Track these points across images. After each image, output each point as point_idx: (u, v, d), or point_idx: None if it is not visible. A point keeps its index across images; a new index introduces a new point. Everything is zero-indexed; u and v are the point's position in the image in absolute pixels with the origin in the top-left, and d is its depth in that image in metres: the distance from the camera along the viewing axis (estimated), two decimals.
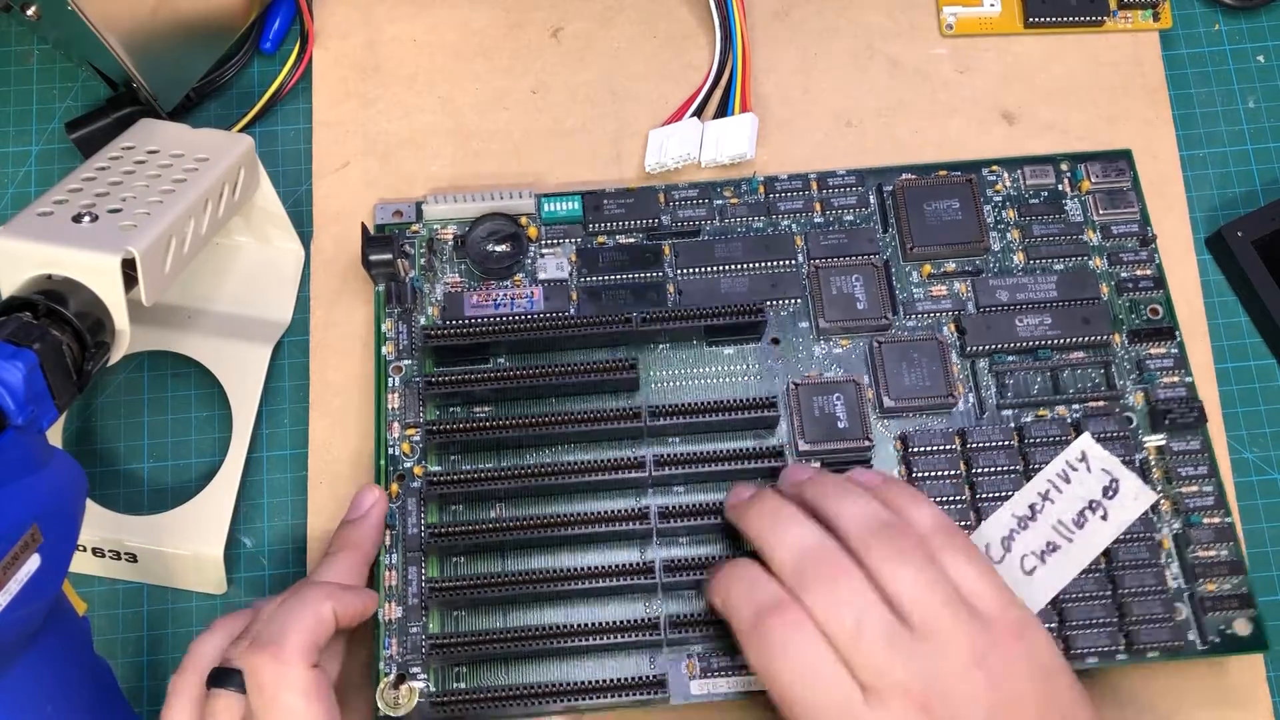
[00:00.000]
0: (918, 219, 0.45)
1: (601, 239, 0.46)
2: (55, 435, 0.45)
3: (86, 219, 0.38)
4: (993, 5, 0.50)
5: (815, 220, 0.46)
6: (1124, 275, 0.45)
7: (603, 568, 0.40)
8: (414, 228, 0.46)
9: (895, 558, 0.36)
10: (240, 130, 0.48)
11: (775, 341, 0.44)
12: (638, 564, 0.41)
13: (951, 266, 0.45)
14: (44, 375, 0.34)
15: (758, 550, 0.38)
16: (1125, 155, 0.47)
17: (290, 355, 0.47)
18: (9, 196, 0.49)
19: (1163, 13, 0.50)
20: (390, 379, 0.43)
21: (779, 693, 0.36)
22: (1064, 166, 0.47)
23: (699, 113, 0.48)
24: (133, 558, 0.44)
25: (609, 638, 0.40)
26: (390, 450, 0.43)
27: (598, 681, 0.39)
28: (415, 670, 0.40)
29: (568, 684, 0.39)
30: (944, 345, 0.44)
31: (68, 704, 0.37)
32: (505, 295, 0.45)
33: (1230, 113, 0.50)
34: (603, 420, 0.42)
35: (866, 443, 0.43)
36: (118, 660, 0.44)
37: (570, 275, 0.45)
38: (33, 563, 0.34)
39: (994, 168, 0.47)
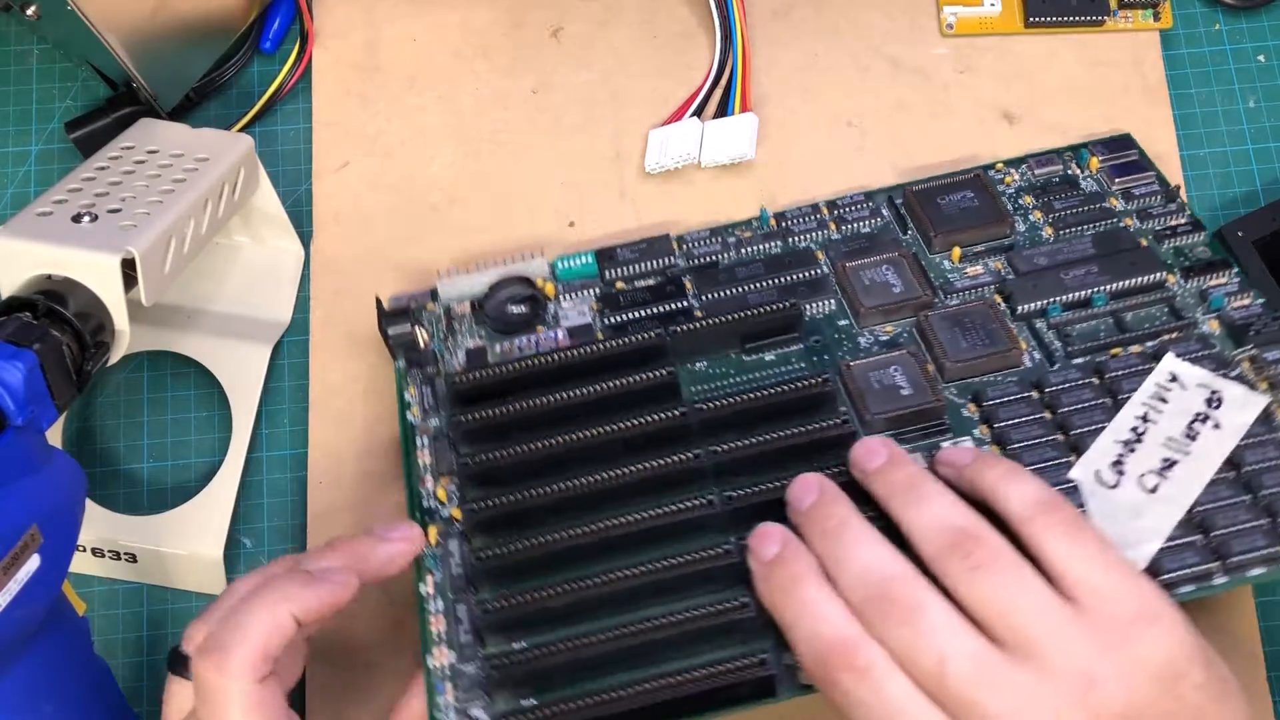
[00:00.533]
0: (935, 212, 0.45)
1: (620, 284, 0.44)
2: (55, 435, 0.45)
3: (86, 219, 0.38)
4: (993, 5, 0.50)
5: (832, 237, 0.45)
6: (1159, 227, 0.44)
7: (672, 556, 0.36)
8: (430, 306, 0.44)
9: (976, 570, 0.32)
10: (240, 130, 0.48)
11: (815, 344, 0.42)
12: (709, 550, 0.36)
13: (981, 248, 0.44)
14: (44, 375, 0.34)
15: (823, 565, 0.34)
16: (1125, 136, 0.47)
17: (290, 355, 0.47)
18: (9, 196, 0.49)
19: (1163, 12, 0.50)
20: (419, 440, 0.41)
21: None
22: (1068, 155, 0.47)
23: (699, 113, 0.48)
24: (132, 558, 0.44)
25: (695, 624, 0.35)
26: (426, 503, 0.39)
27: (693, 672, 0.35)
28: (477, 714, 0.35)
29: (664, 672, 0.35)
30: (995, 308, 0.42)
31: (68, 704, 0.37)
32: (530, 343, 0.43)
33: (1231, 112, 0.50)
34: (647, 423, 0.39)
35: (936, 400, 0.39)
36: (118, 660, 0.44)
37: (594, 319, 0.43)
38: (33, 563, 0.34)
39: (999, 166, 0.47)
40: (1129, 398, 0.39)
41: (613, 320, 0.43)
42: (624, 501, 0.38)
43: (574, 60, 0.50)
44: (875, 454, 0.36)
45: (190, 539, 0.44)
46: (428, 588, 0.38)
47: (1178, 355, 0.40)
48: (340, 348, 0.46)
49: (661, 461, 0.38)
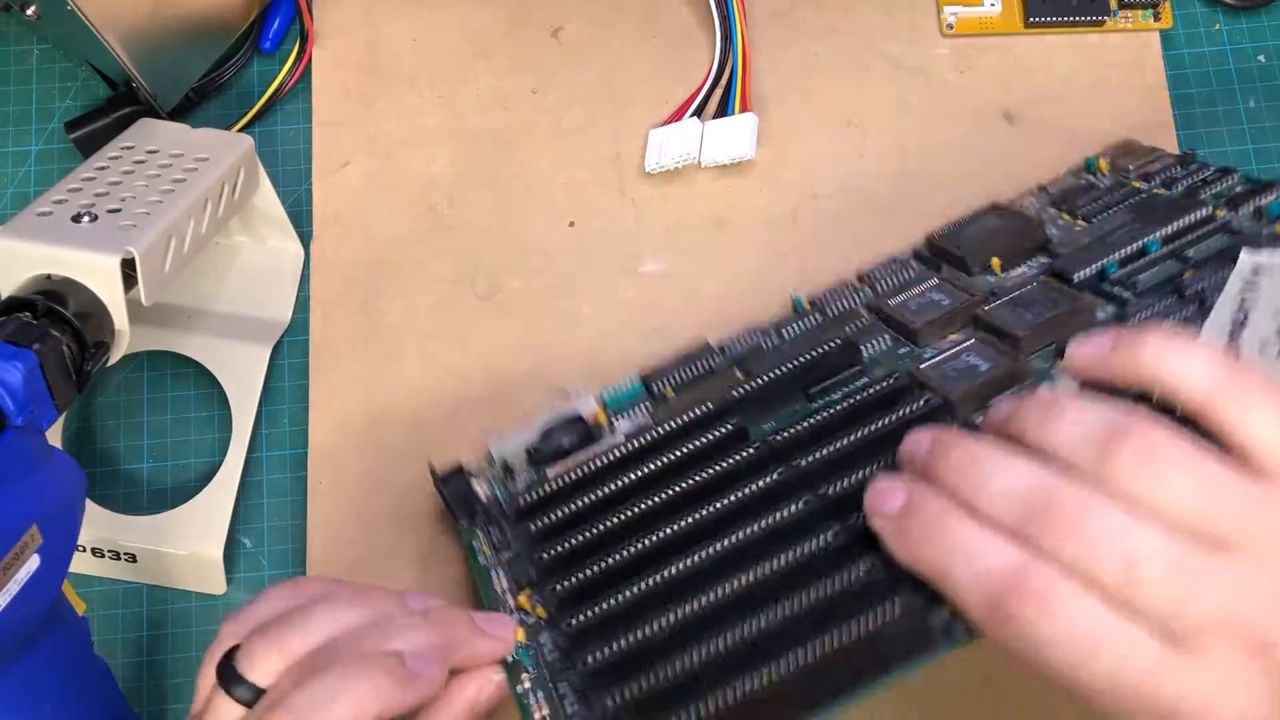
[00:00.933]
0: (965, 242, 0.44)
1: (670, 392, 0.42)
2: (55, 435, 0.45)
3: (86, 219, 0.38)
4: (993, 5, 0.50)
5: (868, 296, 0.44)
6: (1188, 183, 0.43)
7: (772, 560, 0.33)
8: (486, 468, 0.42)
9: (1145, 461, 0.27)
10: (240, 130, 0.48)
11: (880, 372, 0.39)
12: (813, 542, 0.33)
13: (1019, 258, 0.43)
14: (44, 375, 0.34)
15: (962, 500, 0.29)
16: (1126, 140, 0.47)
17: (290, 355, 0.47)
18: (9, 196, 0.49)
19: (1163, 13, 0.50)
20: (495, 573, 0.39)
21: (1059, 677, 0.27)
22: (1075, 166, 0.47)
23: (699, 112, 0.48)
24: (132, 558, 0.44)
25: (817, 607, 0.32)
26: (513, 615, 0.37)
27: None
28: None
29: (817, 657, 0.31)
30: (1051, 284, 0.40)
31: (67, 704, 0.37)
32: (590, 454, 0.40)
33: (1231, 112, 0.50)
34: (722, 467, 0.36)
35: (1017, 362, 0.37)
36: (117, 660, 0.44)
37: (649, 419, 0.41)
38: (32, 563, 0.34)
39: (1010, 197, 0.46)
40: (1219, 297, 0.36)
41: (671, 425, 0.40)
42: (713, 534, 0.35)
43: (574, 60, 0.50)
44: (996, 416, 0.31)
45: (190, 539, 0.44)
46: (524, 684, 0.35)
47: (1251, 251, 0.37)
48: (340, 348, 0.46)
49: (744, 492, 0.35)
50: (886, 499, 0.30)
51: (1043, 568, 0.27)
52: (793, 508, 0.34)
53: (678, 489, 0.37)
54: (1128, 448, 0.27)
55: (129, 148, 0.42)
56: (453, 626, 0.35)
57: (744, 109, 0.48)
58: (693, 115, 0.48)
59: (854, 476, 0.34)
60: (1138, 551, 0.26)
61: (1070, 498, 0.27)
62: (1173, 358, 0.28)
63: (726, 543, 0.34)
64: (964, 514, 0.28)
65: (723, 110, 0.48)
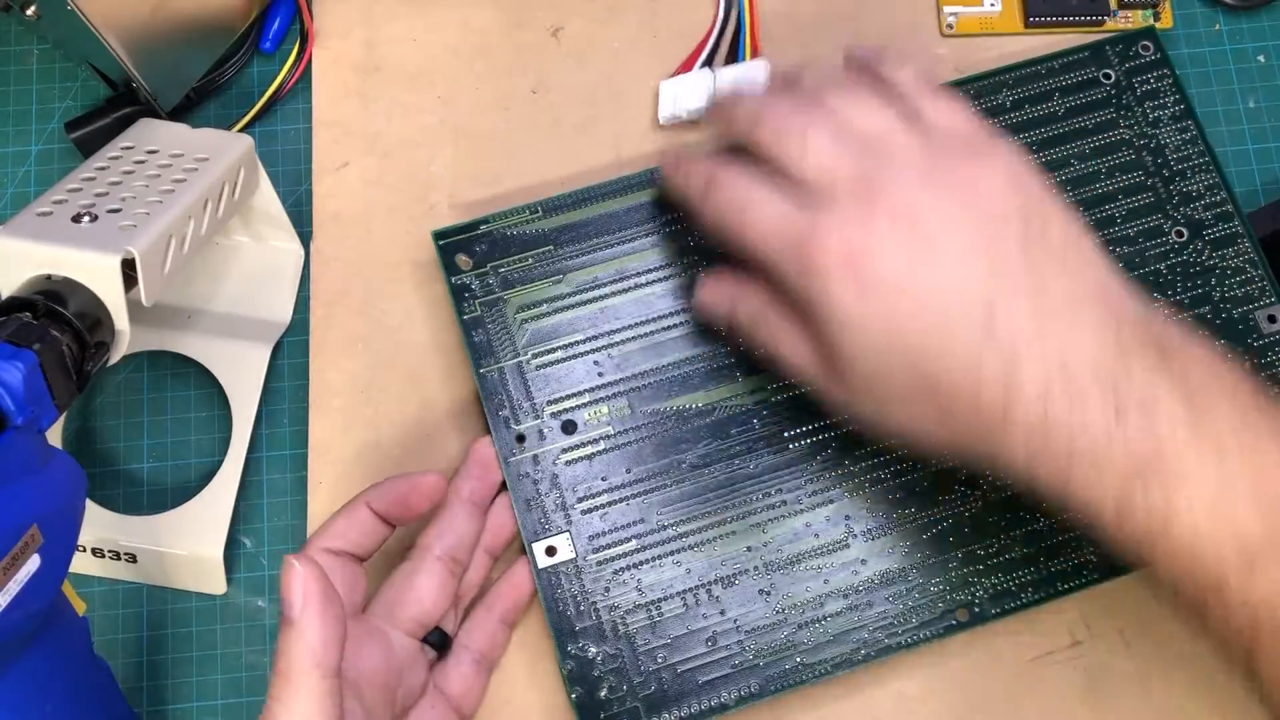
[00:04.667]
0: None
1: None
2: (55, 435, 0.45)
3: (86, 219, 0.38)
4: (993, 5, 0.50)
5: None
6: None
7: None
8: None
9: (850, 95, 0.38)
10: (240, 130, 0.48)
11: None
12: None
13: None
14: (44, 376, 0.34)
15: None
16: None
17: (290, 355, 0.47)
18: (9, 196, 0.49)
19: (1163, 12, 0.50)
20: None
21: (730, 235, 0.38)
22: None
23: (709, 62, 0.48)
24: (132, 558, 0.44)
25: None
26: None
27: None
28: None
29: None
30: None
31: (67, 704, 0.37)
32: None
33: (1231, 112, 0.50)
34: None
35: None
36: (118, 660, 0.44)
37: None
38: (32, 563, 0.34)
39: None
40: None
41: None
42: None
43: (574, 60, 0.50)
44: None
45: (190, 539, 0.44)
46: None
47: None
48: (340, 348, 0.46)
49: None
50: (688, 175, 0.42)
51: (744, 163, 0.38)
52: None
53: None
54: (852, 84, 0.39)
55: (129, 148, 0.42)
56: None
57: (755, 54, 0.48)
58: (703, 66, 0.48)
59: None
60: (814, 132, 0.37)
61: (790, 107, 0.38)
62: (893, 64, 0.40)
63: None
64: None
65: (733, 58, 0.48)
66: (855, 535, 0.42)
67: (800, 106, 0.38)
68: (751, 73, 0.47)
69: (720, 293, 0.41)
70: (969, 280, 0.34)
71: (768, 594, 0.41)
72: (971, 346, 0.34)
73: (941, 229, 0.35)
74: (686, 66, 0.48)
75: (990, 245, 0.34)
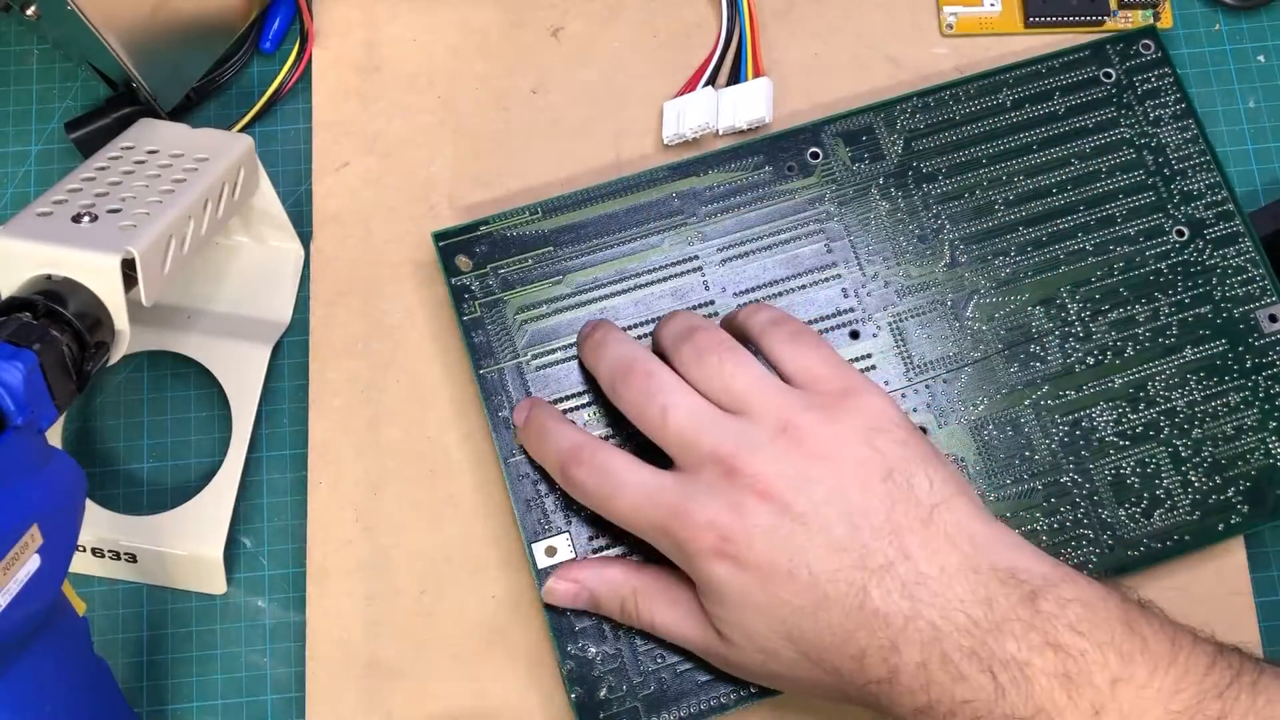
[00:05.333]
0: None
1: None
2: (55, 435, 0.45)
3: (86, 219, 0.38)
4: (993, 5, 0.50)
5: None
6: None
7: None
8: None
9: (700, 354, 0.38)
10: (240, 130, 0.48)
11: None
12: None
13: None
14: (44, 376, 0.34)
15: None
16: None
17: (290, 355, 0.47)
18: (9, 196, 0.49)
19: (1163, 13, 0.50)
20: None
21: (602, 511, 0.39)
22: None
23: (712, 81, 0.48)
24: (132, 558, 0.44)
25: None
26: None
27: None
28: None
29: None
30: None
31: (68, 704, 0.37)
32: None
33: (1231, 113, 0.50)
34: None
35: None
36: (118, 660, 0.44)
37: None
38: (32, 563, 0.34)
39: None
40: None
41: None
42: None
43: (574, 60, 0.50)
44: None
45: (190, 539, 0.44)
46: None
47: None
48: (340, 347, 0.46)
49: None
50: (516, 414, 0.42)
51: (598, 444, 0.39)
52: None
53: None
54: (701, 339, 0.39)
55: (129, 148, 0.42)
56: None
57: (757, 74, 0.48)
58: (706, 85, 0.48)
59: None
60: (674, 406, 0.37)
61: (643, 368, 0.39)
62: (751, 313, 0.41)
63: None
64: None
65: (735, 78, 0.48)
66: None
67: (653, 370, 0.38)
68: (754, 92, 0.47)
69: (570, 588, 0.40)
70: (841, 568, 0.35)
71: None
72: (849, 624, 0.35)
73: (810, 507, 0.35)
74: (690, 86, 0.48)
75: (857, 519, 0.35)
